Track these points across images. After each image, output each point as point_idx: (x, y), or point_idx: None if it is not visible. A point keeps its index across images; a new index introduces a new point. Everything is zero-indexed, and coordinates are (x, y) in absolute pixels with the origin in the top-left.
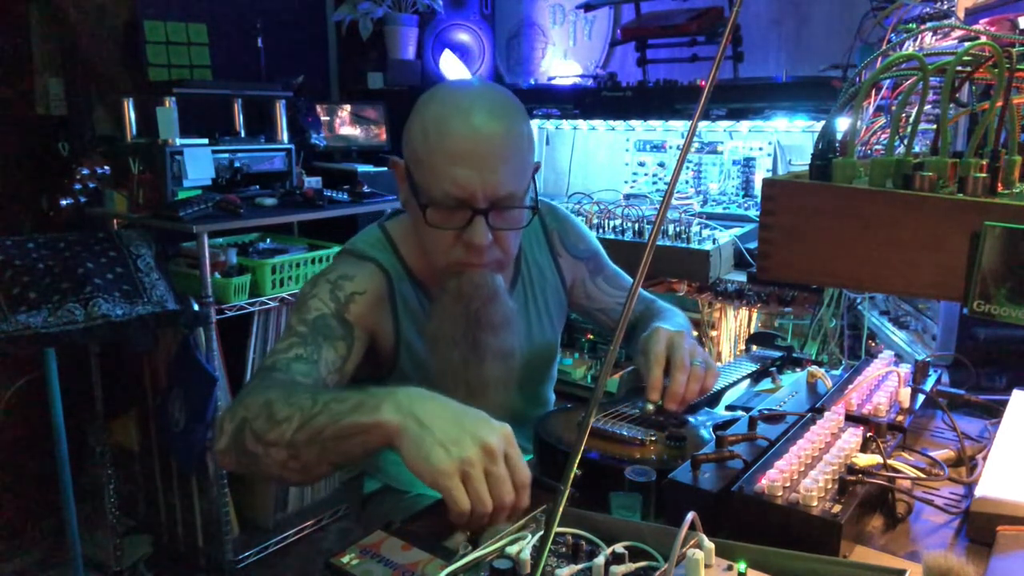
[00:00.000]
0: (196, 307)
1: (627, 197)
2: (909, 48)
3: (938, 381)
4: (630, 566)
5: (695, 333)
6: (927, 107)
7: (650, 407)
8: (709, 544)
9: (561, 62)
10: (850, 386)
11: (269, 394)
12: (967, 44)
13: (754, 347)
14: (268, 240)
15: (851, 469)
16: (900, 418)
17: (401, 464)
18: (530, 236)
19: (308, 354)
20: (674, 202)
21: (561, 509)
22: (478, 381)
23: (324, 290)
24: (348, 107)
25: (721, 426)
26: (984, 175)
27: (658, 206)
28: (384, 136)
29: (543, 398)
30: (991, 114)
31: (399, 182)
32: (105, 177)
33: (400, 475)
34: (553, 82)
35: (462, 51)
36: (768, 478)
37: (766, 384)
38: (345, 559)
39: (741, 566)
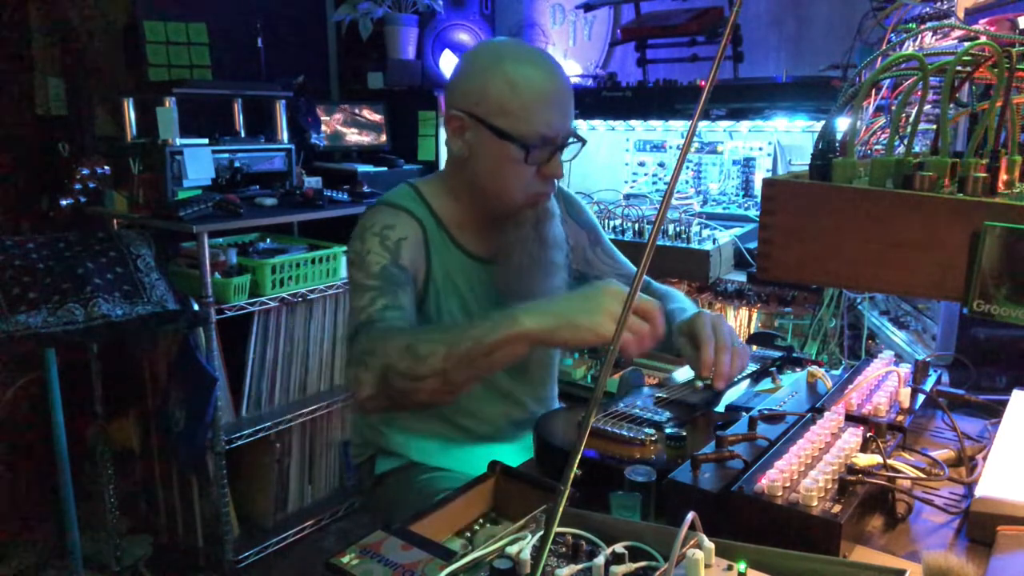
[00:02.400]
0: (196, 307)
1: (627, 197)
2: (909, 48)
3: (938, 381)
4: (630, 566)
5: None
6: (927, 107)
7: (699, 384)
8: (709, 544)
9: (561, 62)
10: (850, 386)
11: (402, 339)
12: (967, 44)
13: (754, 347)
14: (268, 240)
15: (851, 469)
16: (900, 418)
17: (424, 439)
18: None
19: (392, 302)
20: (674, 202)
21: (561, 509)
22: (539, 294)
23: (375, 243)
24: (348, 107)
25: (721, 426)
26: (984, 175)
27: (658, 206)
28: (384, 136)
29: (547, 396)
30: (991, 114)
31: (455, 134)
32: (105, 177)
33: (423, 450)
34: None
35: (462, 51)
36: (768, 478)
37: (766, 384)
38: (345, 559)
39: (741, 566)
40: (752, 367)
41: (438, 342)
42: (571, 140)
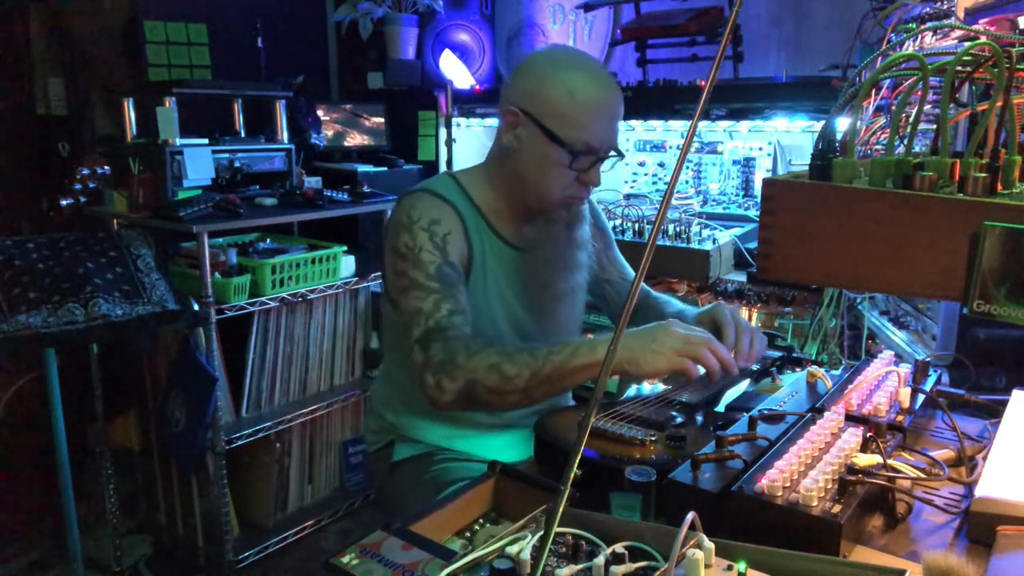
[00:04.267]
0: (196, 307)
1: (627, 197)
2: (909, 48)
3: (938, 381)
4: (630, 566)
5: None
6: (927, 107)
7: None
8: (709, 544)
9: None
10: (850, 386)
11: (487, 357)
12: (967, 44)
13: None
14: (268, 240)
15: (851, 469)
16: (900, 418)
17: (445, 427)
18: None
19: (455, 307)
20: (674, 202)
21: (561, 509)
22: (563, 291)
23: (425, 239)
24: (348, 107)
25: (721, 426)
26: (984, 175)
27: (658, 206)
28: (384, 136)
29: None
30: (991, 114)
31: (508, 128)
32: (105, 177)
33: (444, 436)
34: None
35: (462, 51)
36: (768, 478)
37: (766, 384)
38: (345, 559)
39: (741, 566)
40: (752, 367)
41: (523, 364)
42: (612, 154)
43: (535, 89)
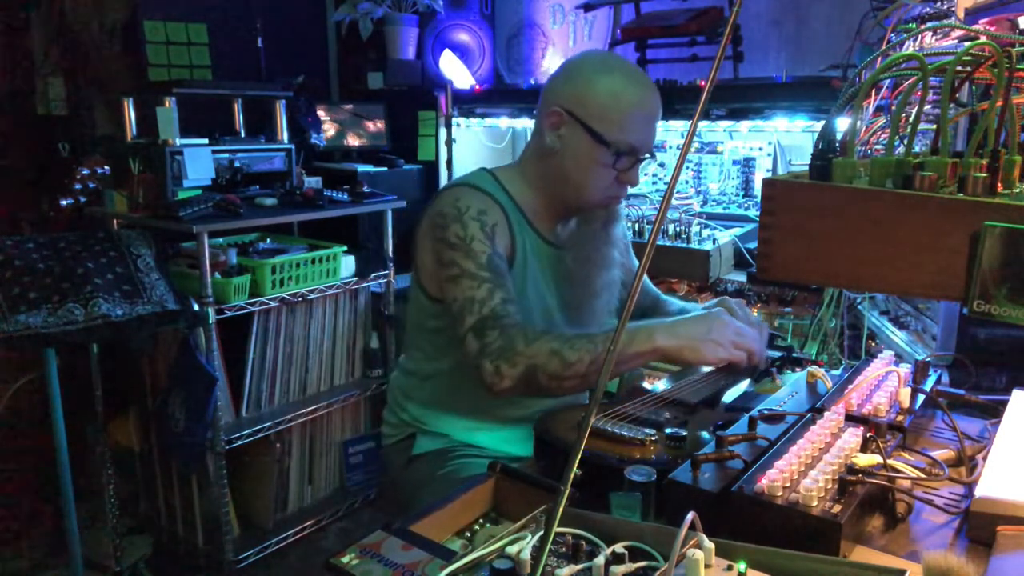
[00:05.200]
0: (196, 307)
1: (627, 197)
2: (909, 48)
3: (938, 381)
4: (630, 566)
5: None
6: (927, 107)
7: None
8: (709, 544)
9: (561, 62)
10: (850, 386)
11: (547, 343)
12: (967, 44)
13: None
14: (268, 240)
15: (851, 469)
16: (900, 418)
17: (466, 420)
18: None
19: (507, 296)
20: (674, 202)
21: (561, 509)
22: (598, 287)
23: (476, 229)
24: (348, 107)
25: (721, 426)
26: (984, 175)
27: (658, 206)
28: (384, 136)
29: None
30: (991, 114)
31: (551, 128)
32: (105, 177)
33: (466, 429)
34: None
35: (462, 51)
36: (768, 478)
37: (766, 384)
38: (345, 559)
39: (741, 566)
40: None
41: (582, 350)
42: (647, 157)
43: (580, 91)
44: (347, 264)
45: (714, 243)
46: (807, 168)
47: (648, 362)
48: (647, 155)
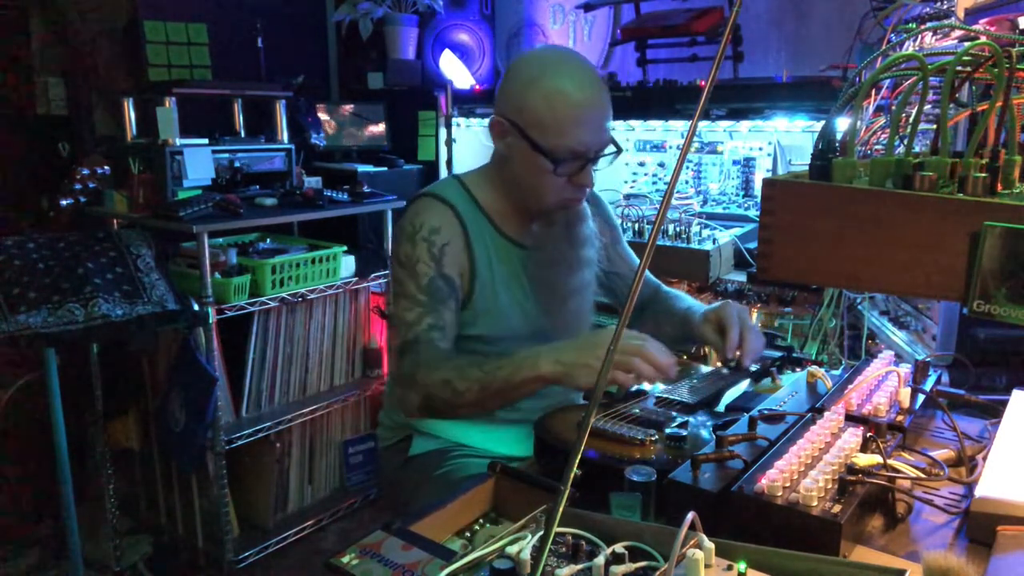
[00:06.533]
0: (196, 307)
1: (627, 197)
2: (909, 48)
3: (938, 381)
4: (630, 566)
5: None
6: (927, 107)
7: (725, 370)
8: (709, 544)
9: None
10: (850, 386)
11: (442, 373)
12: (967, 44)
13: None
14: (268, 240)
15: (851, 469)
16: (900, 418)
17: (463, 423)
18: None
19: (436, 321)
20: (674, 202)
21: (561, 509)
22: (569, 289)
23: (423, 250)
24: (348, 107)
25: (721, 426)
26: (984, 175)
27: (658, 206)
28: (384, 136)
29: None
30: (991, 114)
31: (497, 137)
32: (105, 177)
33: (462, 432)
34: None
35: (462, 51)
36: (768, 478)
37: (766, 384)
38: (345, 559)
39: (741, 566)
40: (753, 367)
41: (472, 379)
42: (609, 151)
43: (517, 98)
44: (347, 264)
45: (714, 243)
46: (807, 168)
47: (542, 387)
48: (609, 151)
